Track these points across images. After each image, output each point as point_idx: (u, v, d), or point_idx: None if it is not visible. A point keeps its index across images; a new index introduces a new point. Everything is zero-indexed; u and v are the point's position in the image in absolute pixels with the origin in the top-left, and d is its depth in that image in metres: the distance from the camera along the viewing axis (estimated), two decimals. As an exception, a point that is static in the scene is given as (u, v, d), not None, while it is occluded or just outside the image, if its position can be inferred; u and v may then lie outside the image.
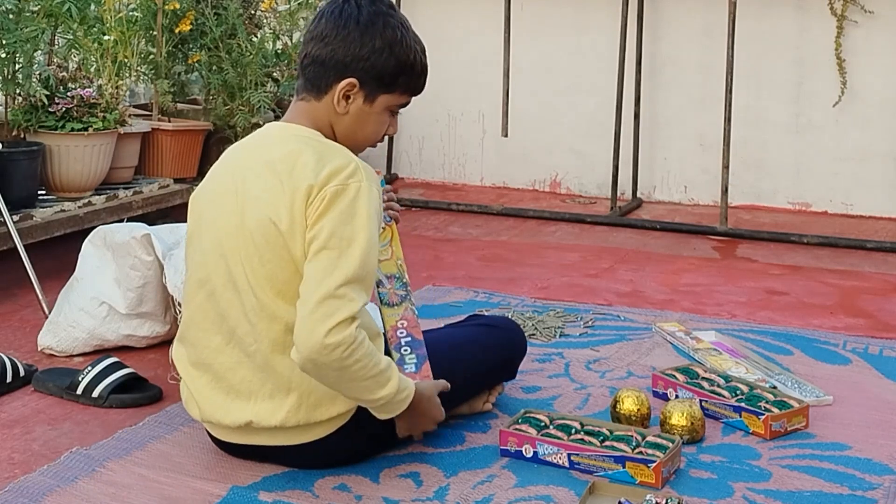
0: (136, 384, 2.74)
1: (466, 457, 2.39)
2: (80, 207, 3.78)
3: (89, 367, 2.73)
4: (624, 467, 2.27)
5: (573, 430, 2.40)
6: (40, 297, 3.26)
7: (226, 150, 2.37)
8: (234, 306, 2.21)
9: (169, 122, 4.42)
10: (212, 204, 2.28)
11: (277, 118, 2.38)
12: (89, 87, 3.89)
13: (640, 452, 2.29)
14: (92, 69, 4.24)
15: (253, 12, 4.67)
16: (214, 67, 4.51)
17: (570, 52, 5.25)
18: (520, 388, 2.77)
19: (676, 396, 2.70)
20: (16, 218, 3.48)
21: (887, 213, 4.85)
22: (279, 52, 4.71)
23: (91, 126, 3.79)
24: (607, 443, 2.34)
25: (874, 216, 4.87)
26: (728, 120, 4.57)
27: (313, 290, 2.07)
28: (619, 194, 4.95)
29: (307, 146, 2.19)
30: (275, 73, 4.68)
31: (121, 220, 3.82)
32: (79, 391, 2.70)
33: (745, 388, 2.67)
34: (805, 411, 2.58)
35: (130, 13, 4.37)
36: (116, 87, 4.09)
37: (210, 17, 4.43)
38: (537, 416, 2.46)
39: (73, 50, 4.30)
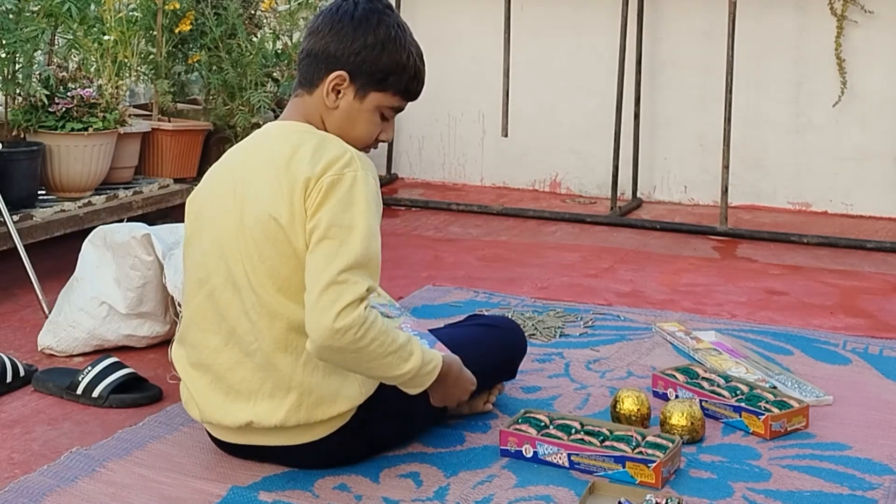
0: (136, 384, 2.74)
1: (466, 457, 2.39)
2: (80, 207, 3.78)
3: (89, 367, 2.73)
4: (624, 467, 2.27)
5: (573, 430, 2.40)
6: (40, 297, 3.27)
7: (226, 153, 2.37)
8: (234, 305, 2.22)
9: (169, 122, 4.42)
10: (211, 204, 2.28)
11: (277, 118, 2.38)
12: (89, 87, 3.89)
13: (640, 452, 2.29)
14: (92, 69, 4.24)
15: (253, 12, 4.67)
16: (214, 67, 4.51)
17: (570, 52, 5.25)
18: (520, 388, 2.77)
19: (676, 396, 2.70)
20: (16, 218, 3.48)
21: (887, 213, 4.85)
22: (279, 52, 4.72)
23: (91, 126, 3.79)
24: (607, 443, 2.34)
25: (874, 216, 4.87)
26: (728, 120, 4.57)
27: (316, 279, 2.08)
28: (619, 194, 4.95)
29: (303, 140, 2.20)
30: (275, 73, 4.68)
31: (121, 220, 3.82)
32: (79, 391, 2.70)
33: (745, 388, 2.67)
34: (805, 411, 2.58)
35: (130, 13, 4.37)
36: (116, 87, 4.09)
37: (210, 17, 4.43)
38: (537, 416, 2.46)
39: (73, 50, 4.30)
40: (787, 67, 4.93)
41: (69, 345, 3.00)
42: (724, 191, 4.58)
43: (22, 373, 2.80)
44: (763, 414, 2.52)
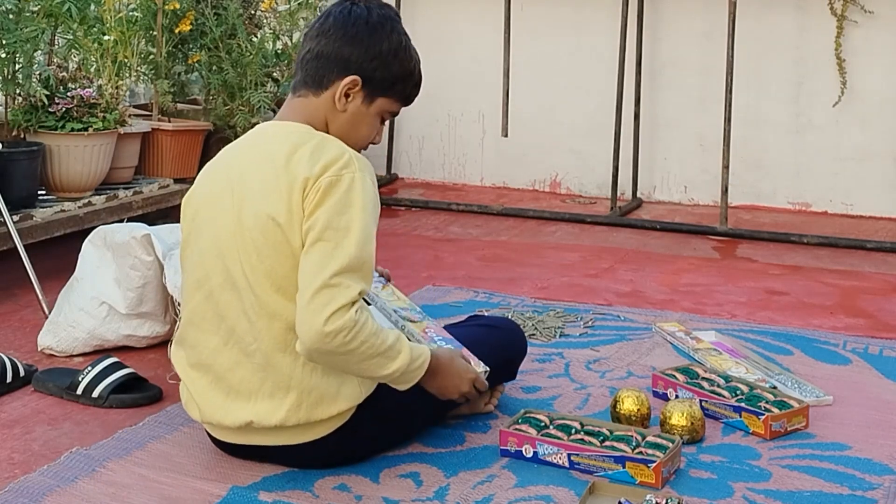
0: (135, 384, 2.74)
1: (466, 457, 2.39)
2: (80, 207, 3.78)
3: (89, 368, 2.73)
4: (624, 467, 2.27)
5: (573, 430, 2.40)
6: (40, 297, 3.27)
7: (220, 151, 2.37)
8: (233, 305, 2.22)
9: (169, 122, 4.42)
10: (208, 204, 2.28)
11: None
12: (89, 87, 3.89)
13: (640, 452, 2.29)
14: (92, 69, 4.24)
15: (253, 12, 4.67)
16: (214, 67, 4.51)
17: (570, 52, 5.25)
18: (520, 388, 2.77)
19: (676, 396, 2.70)
20: (16, 218, 3.48)
21: (887, 213, 4.85)
22: (279, 52, 4.72)
23: (91, 126, 3.79)
24: (607, 443, 2.34)
25: (874, 216, 4.87)
26: (728, 120, 4.57)
27: (309, 281, 2.09)
28: (619, 194, 4.95)
29: (302, 140, 2.20)
30: (275, 73, 4.68)
31: (121, 221, 3.82)
32: (79, 391, 2.70)
33: (745, 388, 2.67)
34: (805, 411, 2.58)
35: (130, 13, 4.37)
36: (116, 88, 4.09)
37: (210, 18, 4.43)
38: (537, 416, 2.46)
39: (73, 50, 4.29)
40: (787, 67, 4.93)
41: (69, 345, 3.00)
42: (724, 191, 4.58)
43: (22, 373, 2.80)
44: (763, 414, 2.52)
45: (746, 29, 4.82)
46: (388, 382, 2.22)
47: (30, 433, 2.53)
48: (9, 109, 3.86)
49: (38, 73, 3.83)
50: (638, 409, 2.52)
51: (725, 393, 2.64)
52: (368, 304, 2.48)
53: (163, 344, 3.04)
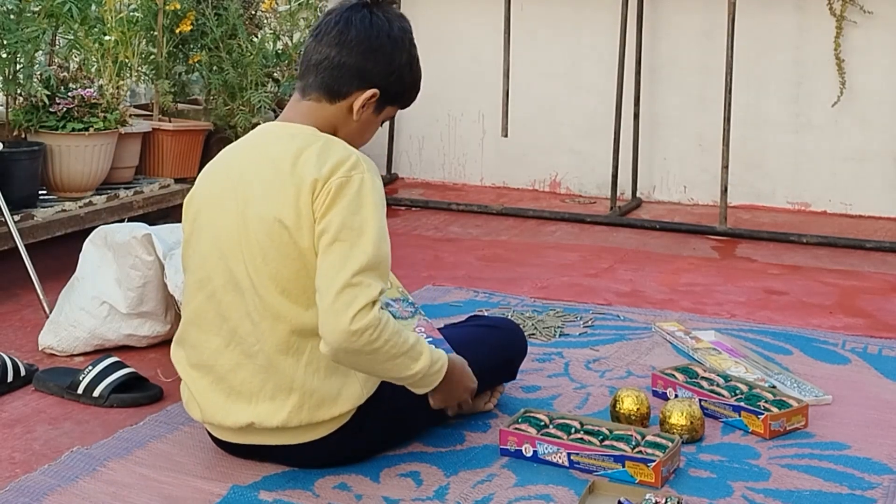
0: (136, 384, 2.74)
1: (466, 456, 2.39)
2: (80, 207, 3.78)
3: (90, 367, 2.73)
4: (624, 466, 2.27)
5: (573, 430, 2.41)
6: (41, 296, 3.27)
7: (221, 152, 2.37)
8: (236, 307, 2.22)
9: (169, 122, 4.42)
10: (210, 204, 2.27)
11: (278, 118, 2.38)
12: (90, 87, 3.90)
13: (640, 452, 2.30)
14: (93, 69, 4.24)
15: (253, 13, 4.67)
16: (215, 68, 4.51)
17: (570, 52, 5.26)
18: (520, 387, 2.78)
19: (676, 396, 2.70)
20: (17, 218, 3.49)
21: (886, 213, 4.86)
22: (279, 52, 4.72)
23: (92, 126, 3.80)
24: (607, 442, 2.34)
25: (873, 216, 4.88)
26: (727, 120, 4.57)
27: (330, 282, 2.09)
28: (618, 194, 4.95)
29: (307, 142, 2.20)
30: (275, 74, 4.69)
31: (121, 220, 3.82)
32: (79, 391, 2.70)
33: (744, 388, 2.67)
34: (804, 411, 2.59)
35: (131, 13, 4.37)
36: (117, 88, 4.09)
37: (211, 18, 4.43)
38: (537, 416, 2.47)
39: (73, 50, 4.30)
40: (786, 67, 4.94)
41: (70, 344, 3.01)
42: (724, 191, 4.58)
43: (23, 372, 2.81)
44: (762, 413, 2.52)
45: (746, 28, 4.82)
46: (408, 385, 2.23)
47: (31, 432, 2.53)
48: (10, 109, 3.86)
49: (39, 73, 3.83)
50: (637, 409, 2.52)
51: (725, 392, 2.65)
52: None
53: (164, 344, 3.04)
